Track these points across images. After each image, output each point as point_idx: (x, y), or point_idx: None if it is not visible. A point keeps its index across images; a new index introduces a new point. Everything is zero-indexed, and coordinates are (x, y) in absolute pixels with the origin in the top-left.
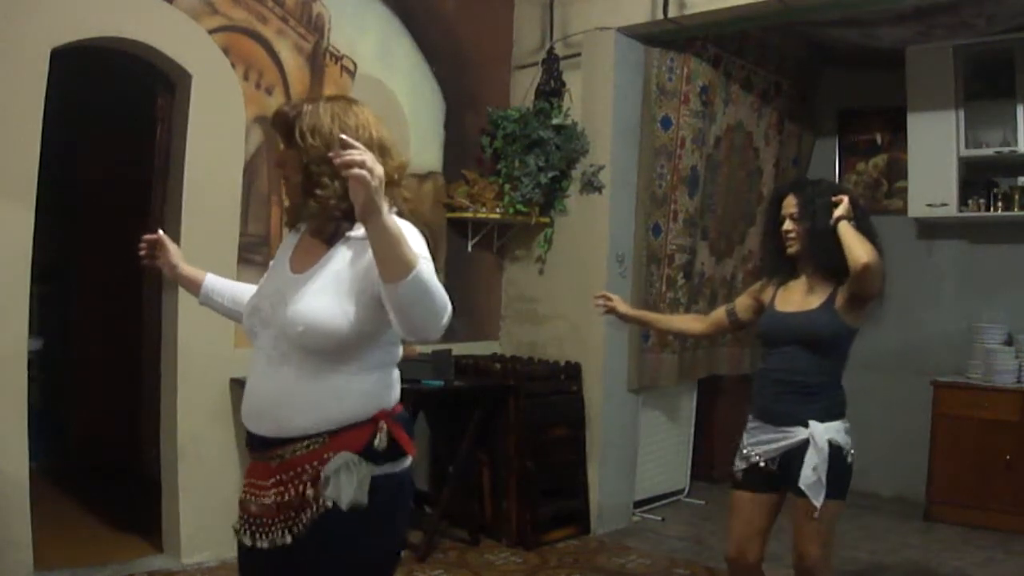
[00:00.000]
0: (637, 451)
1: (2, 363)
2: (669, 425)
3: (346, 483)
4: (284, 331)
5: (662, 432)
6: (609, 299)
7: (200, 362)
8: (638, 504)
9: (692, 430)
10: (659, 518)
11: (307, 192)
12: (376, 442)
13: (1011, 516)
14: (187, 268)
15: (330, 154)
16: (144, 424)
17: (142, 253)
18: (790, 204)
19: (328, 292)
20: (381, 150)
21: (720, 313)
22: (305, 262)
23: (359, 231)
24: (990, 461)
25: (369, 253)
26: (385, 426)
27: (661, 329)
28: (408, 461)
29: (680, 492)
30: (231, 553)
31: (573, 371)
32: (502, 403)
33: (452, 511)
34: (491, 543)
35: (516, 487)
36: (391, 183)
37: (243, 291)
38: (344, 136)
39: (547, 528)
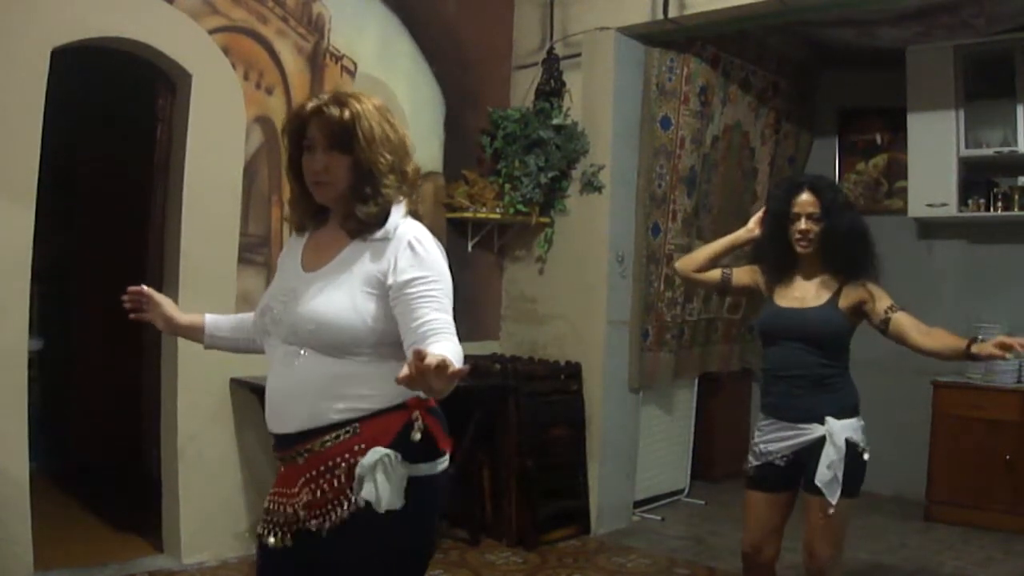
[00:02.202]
0: (637, 451)
1: (2, 363)
2: (669, 425)
3: (383, 484)
4: (295, 329)
5: (662, 432)
6: None
7: (200, 362)
8: (638, 504)
9: (692, 430)
10: (659, 518)
11: (368, 198)
12: (413, 433)
13: (1011, 516)
14: (184, 317)
15: (403, 376)
16: (144, 424)
17: (127, 306)
18: (808, 203)
19: (342, 289)
20: (408, 151)
21: (715, 273)
22: (318, 260)
23: (379, 232)
24: (990, 461)
25: (387, 255)
26: (419, 416)
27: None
28: (445, 461)
29: (680, 492)
30: (232, 553)
31: (573, 371)
32: (502, 403)
33: (452, 511)
34: (491, 543)
35: (516, 487)
36: (411, 185)
37: (248, 319)
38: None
39: (547, 528)
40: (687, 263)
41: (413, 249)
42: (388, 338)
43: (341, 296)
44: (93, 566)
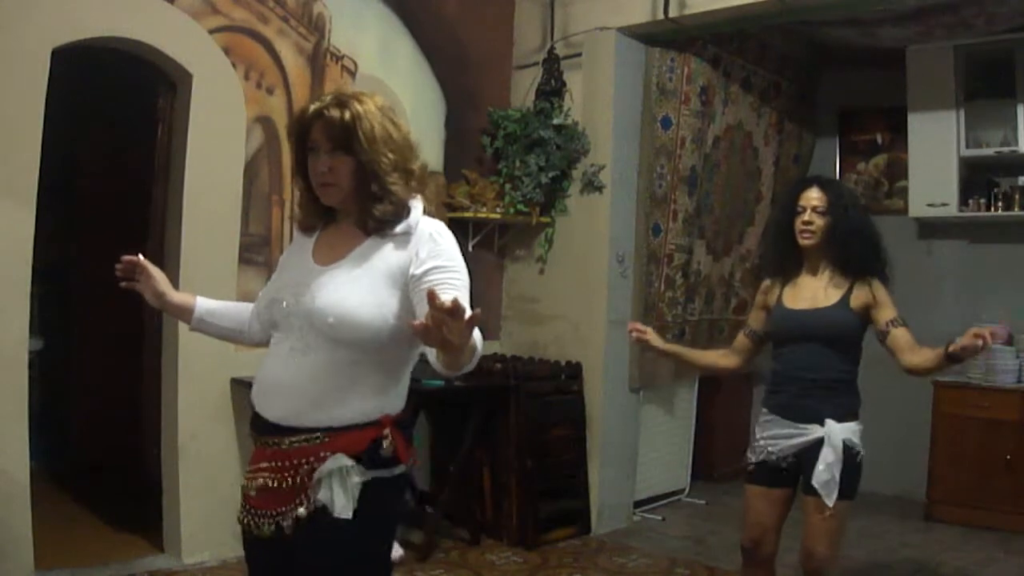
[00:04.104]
0: (637, 451)
1: (2, 363)
2: (669, 424)
3: (338, 490)
4: (312, 322)
5: (662, 431)
6: (643, 331)
7: (201, 362)
8: (638, 504)
9: (692, 429)
10: (659, 518)
11: (379, 197)
12: (383, 450)
13: (1011, 516)
14: (175, 295)
15: (419, 323)
16: (144, 424)
17: (119, 274)
18: (813, 197)
19: (361, 283)
20: (412, 150)
21: (742, 340)
22: (333, 255)
23: (401, 226)
24: (990, 461)
25: (410, 247)
26: (390, 435)
27: (692, 364)
28: (401, 467)
29: (680, 492)
30: (232, 553)
31: (573, 371)
32: (502, 403)
33: (452, 511)
34: (492, 543)
35: (516, 487)
36: (420, 181)
37: (240, 309)
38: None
39: (547, 528)
40: (721, 368)
41: (435, 241)
42: (402, 333)
43: (362, 289)
44: (93, 566)
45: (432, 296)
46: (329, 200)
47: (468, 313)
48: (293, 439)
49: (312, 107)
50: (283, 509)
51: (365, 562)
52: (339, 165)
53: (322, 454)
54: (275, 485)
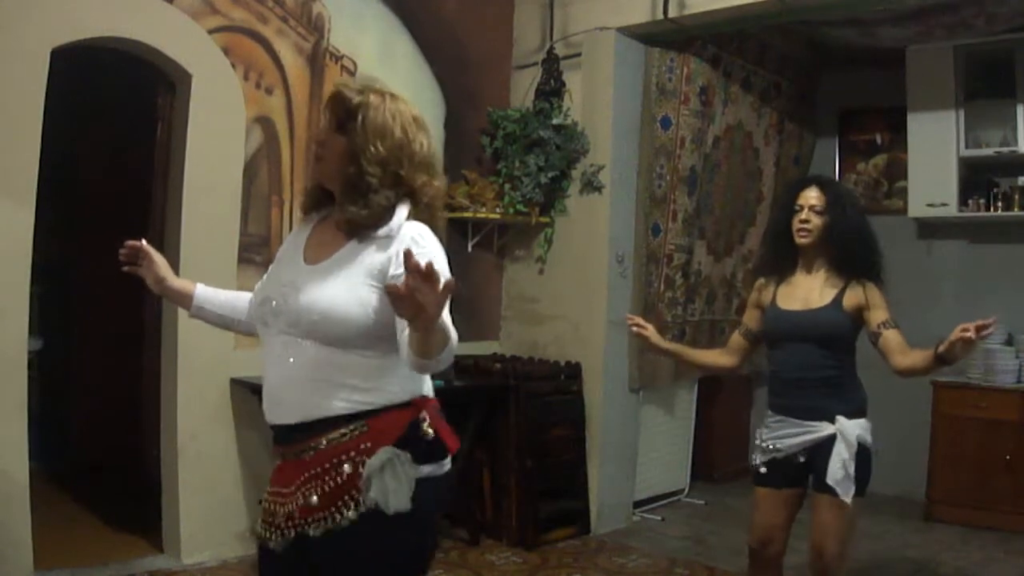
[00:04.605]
0: (637, 451)
1: (2, 363)
2: (669, 425)
3: (391, 484)
4: (299, 320)
5: (662, 432)
6: (643, 327)
7: (200, 362)
8: (638, 504)
9: (692, 429)
10: (659, 518)
11: (358, 192)
12: (424, 430)
13: (1011, 516)
14: (176, 281)
15: (396, 287)
16: (144, 424)
17: (122, 258)
18: (811, 197)
19: (344, 282)
20: (412, 159)
21: (737, 339)
22: (320, 254)
23: (383, 230)
24: (990, 461)
25: (391, 250)
26: (427, 415)
27: (691, 362)
28: (449, 462)
29: (680, 492)
30: (231, 553)
31: (573, 371)
32: (502, 403)
33: (452, 511)
34: (491, 543)
35: (516, 487)
36: (414, 194)
37: (239, 298)
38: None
39: (547, 528)
40: (719, 367)
41: (416, 243)
42: (389, 330)
43: (344, 288)
44: (93, 566)
45: (408, 255)
46: (317, 174)
47: (442, 276)
48: (331, 435)
49: (339, 87)
50: (324, 514)
51: (408, 559)
52: (332, 142)
53: (363, 446)
54: (322, 492)
